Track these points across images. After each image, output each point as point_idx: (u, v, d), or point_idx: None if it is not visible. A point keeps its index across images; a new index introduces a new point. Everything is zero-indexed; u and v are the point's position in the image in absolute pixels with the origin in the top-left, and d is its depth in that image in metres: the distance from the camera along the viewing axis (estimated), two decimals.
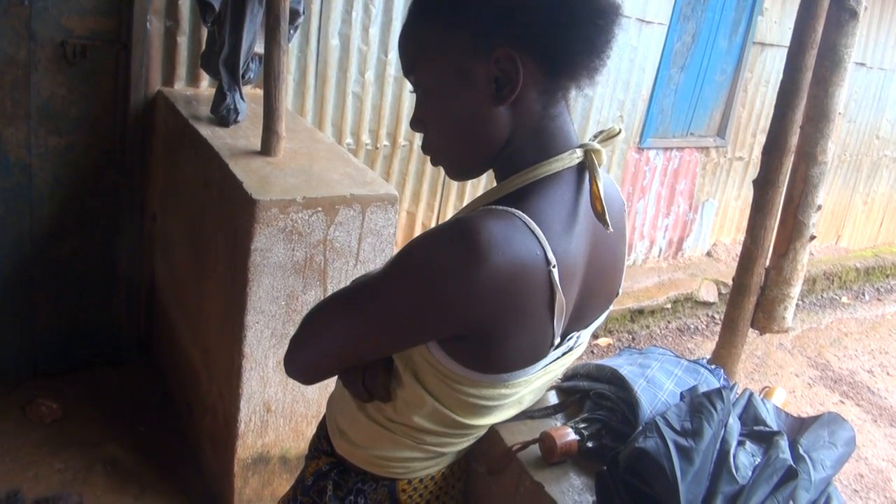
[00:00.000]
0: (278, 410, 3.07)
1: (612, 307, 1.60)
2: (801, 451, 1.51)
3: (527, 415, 1.65)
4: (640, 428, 1.49)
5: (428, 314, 1.30)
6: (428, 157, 1.49)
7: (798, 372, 5.64)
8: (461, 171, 1.46)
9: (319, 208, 2.83)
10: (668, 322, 5.91)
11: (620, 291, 1.59)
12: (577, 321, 1.46)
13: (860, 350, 6.09)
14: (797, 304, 6.36)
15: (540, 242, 1.26)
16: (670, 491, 1.29)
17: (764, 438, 1.52)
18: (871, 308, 6.87)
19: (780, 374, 5.56)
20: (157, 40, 3.60)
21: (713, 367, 1.86)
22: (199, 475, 3.37)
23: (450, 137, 1.41)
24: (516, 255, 1.24)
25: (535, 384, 1.51)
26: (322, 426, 1.74)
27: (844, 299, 6.86)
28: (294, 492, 1.71)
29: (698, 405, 1.44)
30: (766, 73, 6.11)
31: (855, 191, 7.19)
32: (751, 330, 2.71)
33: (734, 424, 1.48)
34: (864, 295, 7.01)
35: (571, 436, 1.58)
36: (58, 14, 3.38)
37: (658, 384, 1.68)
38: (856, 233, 7.43)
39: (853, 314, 6.70)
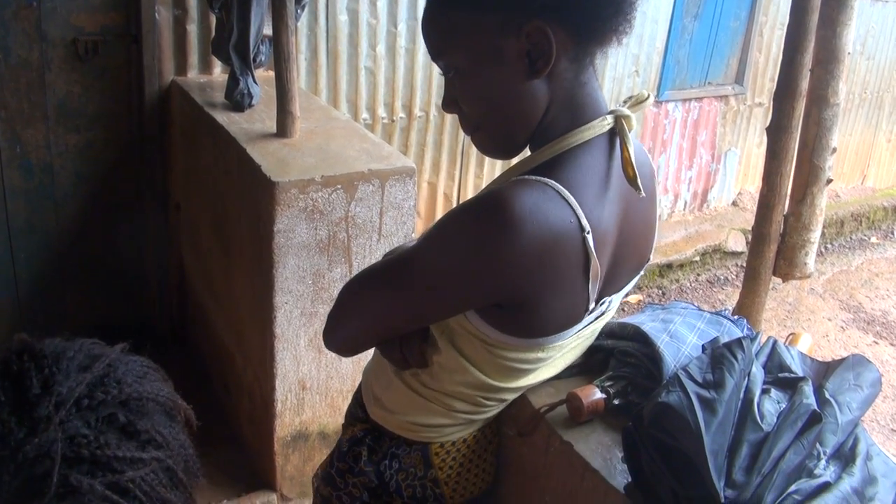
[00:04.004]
0: (313, 388, 3.11)
1: (642, 272, 1.61)
2: (826, 395, 1.52)
3: (554, 376, 1.68)
4: (664, 383, 1.51)
5: (464, 286, 1.34)
6: (461, 128, 1.50)
7: (830, 316, 5.62)
8: (504, 149, 1.47)
9: (339, 186, 2.85)
10: (698, 275, 5.90)
11: (651, 257, 1.61)
12: (609, 286, 1.48)
13: (892, 289, 6.05)
14: (826, 248, 6.33)
15: (573, 210, 1.28)
16: (695, 442, 1.30)
17: (789, 385, 1.53)
18: None
19: (812, 320, 5.54)
20: (167, 30, 3.62)
21: (736, 317, 1.87)
22: (241, 455, 3.42)
23: (490, 117, 1.41)
24: (550, 224, 1.26)
25: (568, 347, 1.54)
26: (357, 394, 1.79)
27: (874, 239, 6.81)
28: (331, 458, 1.76)
29: (719, 356, 1.45)
30: (780, 16, 6.03)
31: (878, 129, 7.11)
32: (780, 278, 2.71)
33: (757, 373, 1.49)
34: (892, 233, 6.94)
35: (598, 394, 1.60)
36: (66, 13, 3.41)
37: (681, 338, 1.70)
38: (881, 171, 7.35)
39: (883, 254, 6.64)
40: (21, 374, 0.84)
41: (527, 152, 1.45)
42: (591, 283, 1.35)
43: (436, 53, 1.40)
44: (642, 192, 1.33)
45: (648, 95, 1.46)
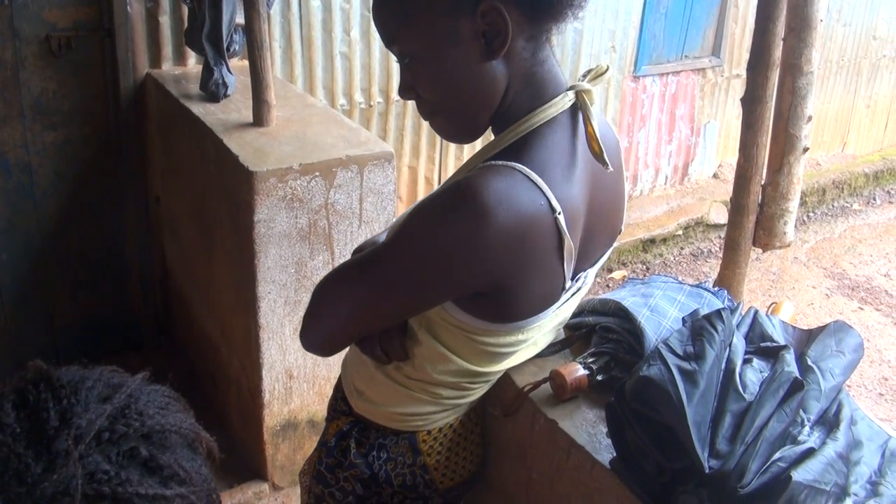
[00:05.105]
0: (300, 376, 3.11)
1: (615, 243, 1.62)
2: (809, 363, 1.52)
3: (536, 355, 1.68)
4: (645, 356, 1.52)
5: (441, 279, 1.33)
6: (419, 114, 1.49)
7: (815, 284, 5.64)
8: (466, 133, 1.45)
9: (317, 173, 2.84)
10: (682, 248, 5.91)
11: (623, 228, 1.61)
12: (583, 261, 1.48)
13: (875, 255, 6.08)
14: (808, 217, 6.35)
15: (543, 192, 1.28)
16: (677, 414, 1.31)
17: (771, 354, 1.53)
18: (883, 212, 6.83)
19: (797, 288, 5.56)
20: (140, 23, 3.59)
21: (716, 289, 1.88)
22: (231, 447, 3.42)
23: (448, 101, 1.40)
24: (522, 208, 1.25)
25: (548, 327, 1.54)
26: (338, 387, 1.78)
27: (856, 206, 6.83)
28: (318, 454, 1.75)
29: (699, 328, 1.46)
30: None
31: (857, 95, 7.11)
32: (760, 248, 2.72)
33: (738, 343, 1.50)
34: (875, 199, 6.96)
35: (581, 371, 1.61)
36: (39, 9, 3.38)
37: (662, 312, 1.70)
38: (861, 138, 7.36)
39: (865, 220, 6.66)
40: (38, 406, 0.80)
41: (489, 135, 1.45)
42: (566, 262, 1.36)
43: (389, 39, 1.38)
44: (610, 167, 1.33)
45: (607, 67, 1.45)
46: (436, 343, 1.47)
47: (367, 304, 1.41)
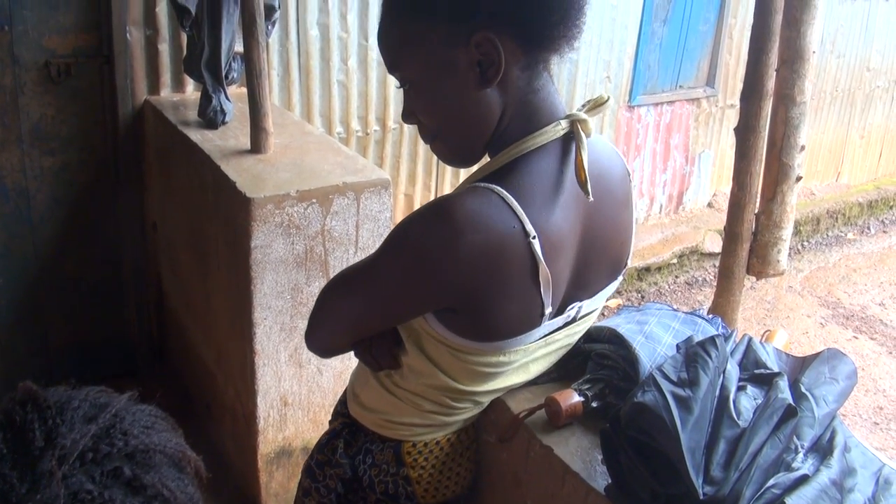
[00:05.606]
0: (295, 403, 3.11)
1: (621, 277, 1.63)
2: (802, 390, 1.53)
3: (530, 381, 1.69)
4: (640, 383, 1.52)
5: (417, 289, 1.39)
6: (420, 138, 1.54)
7: (809, 313, 5.65)
8: (463, 157, 1.50)
9: (314, 200, 2.85)
10: (676, 277, 5.92)
11: (630, 261, 1.62)
12: (579, 290, 1.49)
13: (870, 284, 6.09)
14: (803, 246, 6.36)
15: (517, 215, 1.30)
16: (672, 441, 1.32)
17: (764, 381, 1.54)
18: (878, 241, 6.86)
19: (791, 317, 5.57)
20: (139, 50, 3.61)
21: (710, 316, 1.88)
22: (225, 474, 3.41)
23: (446, 126, 1.45)
24: (491, 230, 1.29)
25: (537, 353, 1.55)
26: (344, 392, 1.84)
27: (850, 235, 6.85)
28: (313, 452, 1.81)
29: (693, 355, 1.47)
30: (749, 18, 6.01)
31: (850, 126, 7.15)
32: (754, 276, 2.73)
33: (732, 370, 1.51)
34: (869, 229, 6.99)
35: (576, 398, 1.61)
36: (38, 36, 3.40)
37: (656, 339, 1.71)
38: (855, 168, 7.40)
39: (860, 249, 6.68)
40: (24, 426, 0.81)
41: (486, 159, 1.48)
42: (543, 287, 1.37)
43: (391, 66, 1.44)
44: (591, 196, 1.35)
45: (608, 98, 1.48)
46: (422, 356, 1.51)
47: (356, 310, 1.50)
